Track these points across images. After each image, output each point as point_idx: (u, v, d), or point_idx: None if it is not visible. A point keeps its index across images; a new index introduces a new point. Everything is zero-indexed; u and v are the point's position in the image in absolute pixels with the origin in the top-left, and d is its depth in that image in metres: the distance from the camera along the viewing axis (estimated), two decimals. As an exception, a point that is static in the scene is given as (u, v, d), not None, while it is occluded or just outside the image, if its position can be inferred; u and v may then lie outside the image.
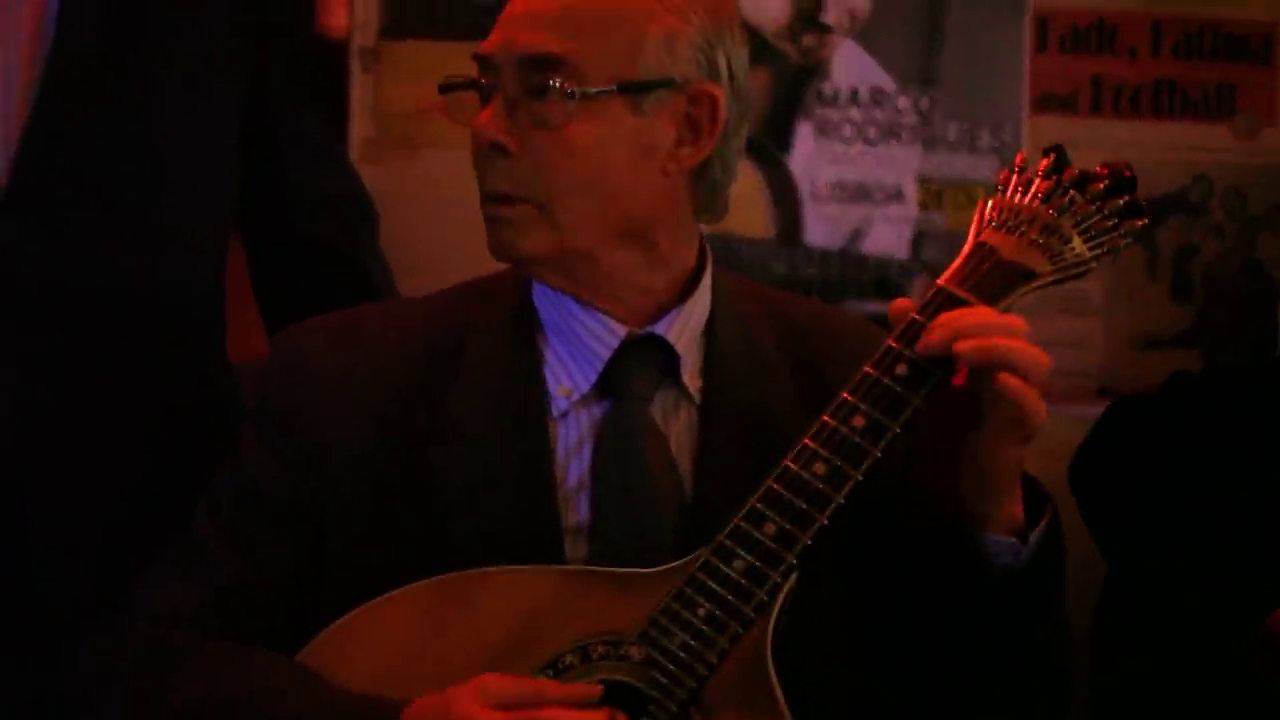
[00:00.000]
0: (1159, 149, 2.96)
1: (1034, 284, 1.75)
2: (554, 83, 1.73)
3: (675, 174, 1.78)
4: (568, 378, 1.81)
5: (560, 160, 1.75)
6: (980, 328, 1.66)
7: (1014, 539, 1.71)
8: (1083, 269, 1.78)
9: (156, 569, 1.83)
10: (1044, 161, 1.81)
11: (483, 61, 1.78)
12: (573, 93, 1.73)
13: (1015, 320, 1.68)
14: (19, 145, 2.00)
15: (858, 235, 2.89)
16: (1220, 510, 2.52)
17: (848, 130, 2.88)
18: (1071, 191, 1.79)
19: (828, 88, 2.87)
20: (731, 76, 1.79)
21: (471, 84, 1.79)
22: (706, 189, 1.81)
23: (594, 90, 1.74)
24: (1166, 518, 2.56)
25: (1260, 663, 2.40)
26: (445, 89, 1.80)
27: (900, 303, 1.72)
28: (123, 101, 2.05)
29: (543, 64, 1.74)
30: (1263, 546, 2.48)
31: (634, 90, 1.75)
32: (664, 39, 1.75)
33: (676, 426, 1.82)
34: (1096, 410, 2.80)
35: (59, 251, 2.02)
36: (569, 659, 1.67)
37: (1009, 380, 1.65)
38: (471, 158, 1.79)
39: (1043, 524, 1.72)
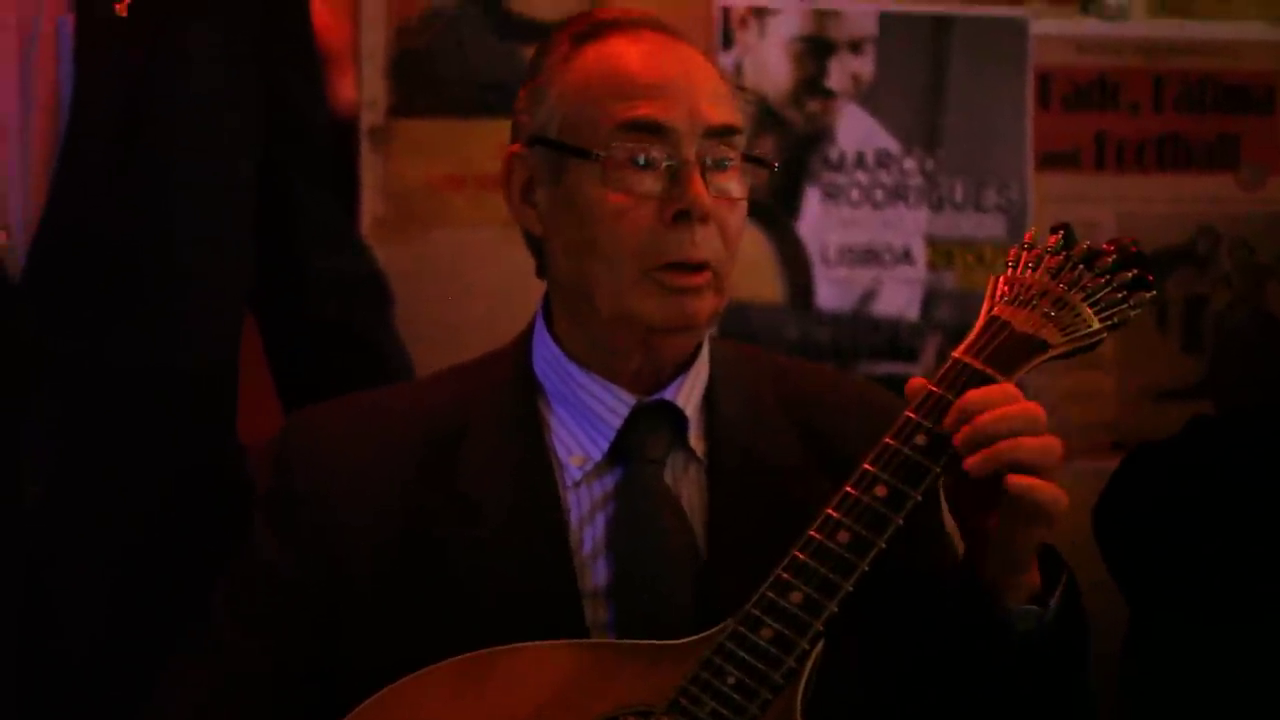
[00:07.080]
0: (1164, 202, 2.98)
1: (1047, 355, 1.78)
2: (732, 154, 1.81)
3: None
4: (578, 446, 1.83)
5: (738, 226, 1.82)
6: (985, 428, 1.67)
7: (1034, 606, 1.72)
8: (1094, 340, 1.81)
9: (176, 661, 1.84)
10: (1052, 238, 1.86)
11: (658, 128, 1.78)
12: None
13: (1030, 409, 1.69)
14: (37, 228, 2.01)
15: (868, 297, 2.91)
16: (1245, 553, 2.52)
17: (855, 193, 2.90)
18: (1080, 266, 1.83)
19: (833, 152, 2.89)
20: None
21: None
22: None
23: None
24: (1191, 563, 2.56)
25: None
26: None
27: (917, 381, 1.74)
28: (137, 184, 2.06)
29: (728, 134, 1.80)
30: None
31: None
32: None
33: (687, 486, 1.84)
34: (1111, 464, 2.81)
35: (71, 331, 2.03)
36: None
37: (1017, 481, 1.66)
38: (637, 227, 1.77)
39: (1060, 590, 1.73)
